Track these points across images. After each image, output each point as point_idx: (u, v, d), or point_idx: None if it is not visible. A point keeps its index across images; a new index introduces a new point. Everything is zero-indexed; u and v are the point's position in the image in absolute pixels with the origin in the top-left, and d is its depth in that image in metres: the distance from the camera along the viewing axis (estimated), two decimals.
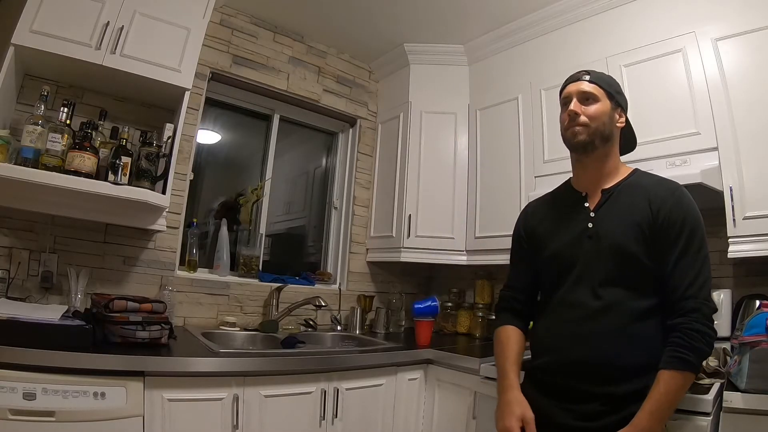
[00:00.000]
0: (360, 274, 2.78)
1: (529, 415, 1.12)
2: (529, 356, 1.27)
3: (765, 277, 1.66)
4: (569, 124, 1.19)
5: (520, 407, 1.14)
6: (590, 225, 1.17)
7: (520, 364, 1.25)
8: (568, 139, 1.21)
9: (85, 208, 1.74)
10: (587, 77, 1.21)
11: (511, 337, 1.28)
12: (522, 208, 1.45)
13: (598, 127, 1.17)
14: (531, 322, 1.34)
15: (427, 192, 2.55)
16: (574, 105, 1.18)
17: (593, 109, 1.18)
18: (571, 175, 1.32)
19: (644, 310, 1.08)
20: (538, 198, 1.41)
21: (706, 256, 1.07)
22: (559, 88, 1.28)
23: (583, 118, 1.17)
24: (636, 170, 1.24)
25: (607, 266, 1.11)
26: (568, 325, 1.13)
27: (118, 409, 1.30)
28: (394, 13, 2.39)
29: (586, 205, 1.21)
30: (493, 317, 2.37)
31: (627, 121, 1.24)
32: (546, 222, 1.29)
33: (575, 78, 1.23)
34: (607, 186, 1.20)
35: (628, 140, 1.28)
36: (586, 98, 1.19)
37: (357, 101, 2.88)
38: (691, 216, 1.09)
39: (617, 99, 1.21)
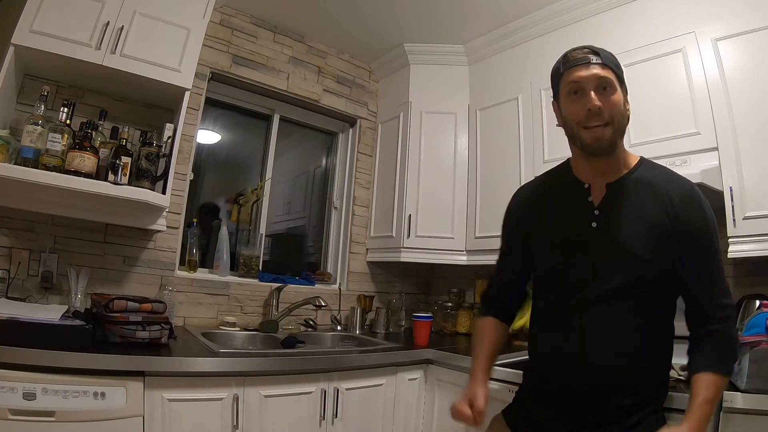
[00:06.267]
0: (360, 274, 2.78)
1: (475, 392, 1.14)
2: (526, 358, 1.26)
3: (765, 277, 1.66)
4: (592, 120, 1.01)
5: (470, 393, 1.16)
6: (594, 224, 1.07)
7: (494, 355, 1.25)
8: (589, 145, 1.04)
9: (85, 208, 1.74)
10: (597, 59, 1.02)
11: (486, 326, 1.28)
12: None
13: (618, 123, 1.02)
14: (516, 315, 1.34)
15: (427, 192, 2.55)
16: (595, 99, 1.00)
17: (613, 100, 1.01)
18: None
19: (645, 321, 1.03)
20: (531, 181, 1.30)
21: (721, 257, 1.06)
22: None
23: (607, 114, 1.00)
24: (642, 160, 1.12)
25: (612, 272, 1.03)
26: (567, 334, 1.08)
27: (118, 409, 1.30)
28: (394, 13, 2.39)
29: (590, 199, 1.09)
30: None
31: None
32: (541, 212, 1.18)
33: (583, 60, 1.03)
34: (612, 179, 1.08)
35: None
36: (604, 87, 1.01)
37: (357, 101, 2.88)
38: (711, 221, 1.03)
39: (624, 83, 1.07)
